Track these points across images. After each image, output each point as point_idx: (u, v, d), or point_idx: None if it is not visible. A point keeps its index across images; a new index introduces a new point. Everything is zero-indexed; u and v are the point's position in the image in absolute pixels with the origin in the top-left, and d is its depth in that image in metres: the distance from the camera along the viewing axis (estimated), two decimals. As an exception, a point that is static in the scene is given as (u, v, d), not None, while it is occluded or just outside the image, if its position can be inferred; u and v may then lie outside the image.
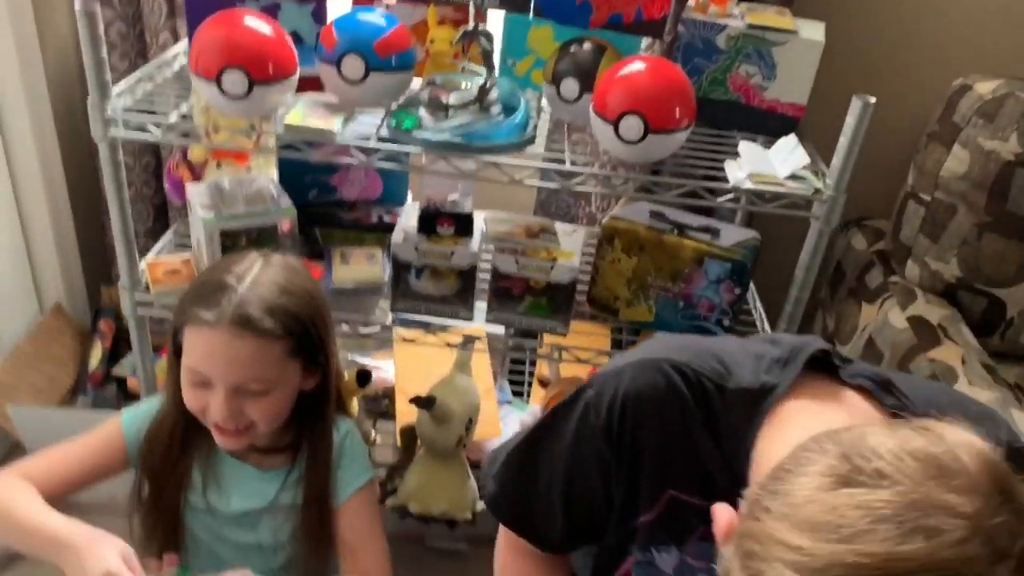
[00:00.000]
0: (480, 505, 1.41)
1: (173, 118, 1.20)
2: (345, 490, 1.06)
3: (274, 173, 1.45)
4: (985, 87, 1.45)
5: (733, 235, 1.30)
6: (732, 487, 0.67)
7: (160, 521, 1.05)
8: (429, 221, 1.29)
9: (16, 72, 1.59)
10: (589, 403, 0.81)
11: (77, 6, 1.10)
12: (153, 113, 1.21)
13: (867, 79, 1.60)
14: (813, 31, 1.28)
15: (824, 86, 1.32)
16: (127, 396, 1.73)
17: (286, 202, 1.31)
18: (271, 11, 1.29)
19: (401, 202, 1.50)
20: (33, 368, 1.70)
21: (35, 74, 1.64)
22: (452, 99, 1.18)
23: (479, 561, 1.69)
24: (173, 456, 1.03)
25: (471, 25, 1.16)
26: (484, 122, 1.16)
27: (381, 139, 1.17)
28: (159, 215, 1.85)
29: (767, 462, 0.62)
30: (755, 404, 0.73)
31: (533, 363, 1.79)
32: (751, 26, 1.26)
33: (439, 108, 1.17)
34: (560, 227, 1.37)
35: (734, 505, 0.60)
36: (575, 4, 1.30)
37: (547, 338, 1.38)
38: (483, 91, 1.17)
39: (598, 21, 1.31)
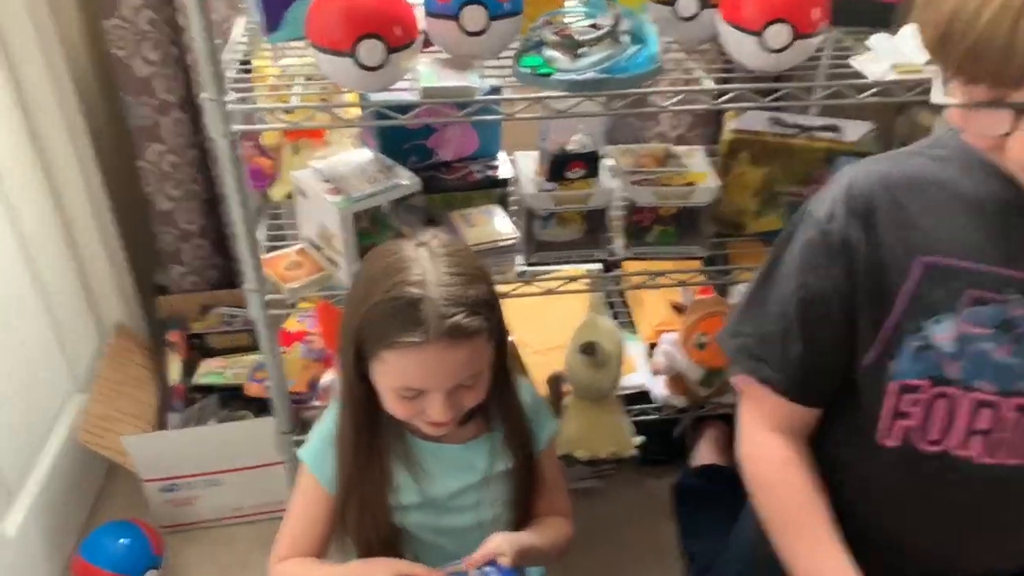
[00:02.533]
0: (639, 439, 1.43)
1: (294, 101, 1.12)
2: (541, 441, 1.07)
3: (353, 146, 1.38)
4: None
5: (854, 130, 1.31)
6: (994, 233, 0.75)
7: (375, 533, 1.02)
8: (560, 166, 1.25)
9: (48, 88, 1.46)
10: (808, 216, 0.84)
11: (189, -5, 1.00)
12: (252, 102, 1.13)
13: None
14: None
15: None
16: (232, 402, 1.66)
17: (405, 173, 1.25)
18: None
19: (494, 154, 1.44)
20: (120, 394, 1.61)
21: (64, 84, 1.50)
22: (583, 36, 1.13)
23: (610, 495, 1.73)
24: (367, 469, 1.00)
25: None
26: (621, 54, 1.12)
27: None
28: (209, 211, 1.75)
29: None
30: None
31: (621, 294, 1.79)
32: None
33: (571, 47, 1.12)
34: (676, 149, 1.36)
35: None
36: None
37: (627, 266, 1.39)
38: (615, 23, 1.13)
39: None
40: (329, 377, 1.47)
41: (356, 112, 1.26)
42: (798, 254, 0.85)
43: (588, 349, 1.28)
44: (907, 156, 0.84)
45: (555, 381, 1.36)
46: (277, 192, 1.46)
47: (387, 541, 1.02)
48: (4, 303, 1.40)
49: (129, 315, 1.77)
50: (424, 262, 0.90)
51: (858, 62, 1.19)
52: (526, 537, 0.99)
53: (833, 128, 1.30)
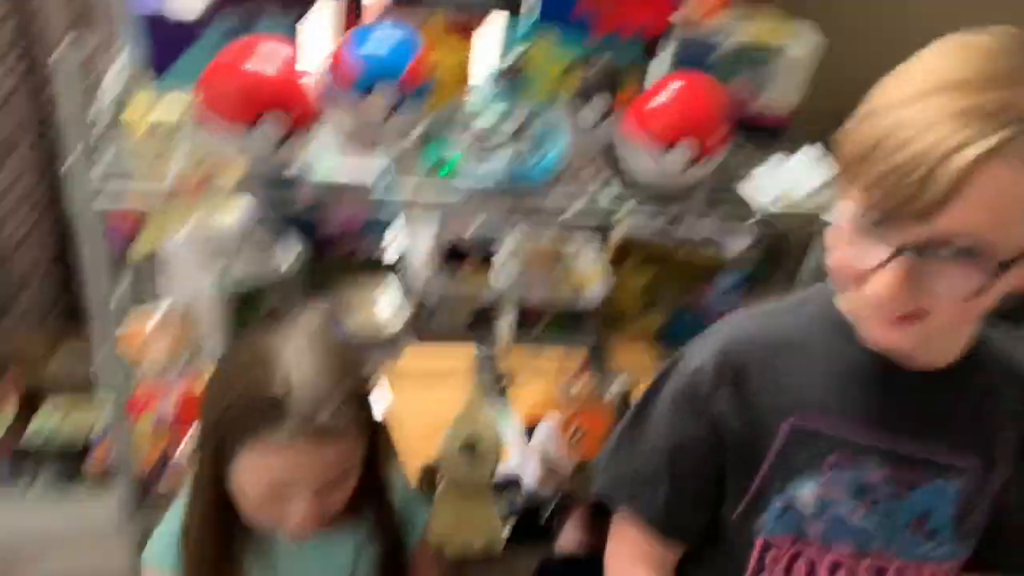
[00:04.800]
0: (507, 532, 1.41)
1: (169, 181, 1.03)
2: (413, 537, 1.04)
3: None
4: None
5: (739, 242, 1.36)
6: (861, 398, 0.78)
7: None
8: (453, 258, 1.22)
9: None
10: (684, 366, 0.85)
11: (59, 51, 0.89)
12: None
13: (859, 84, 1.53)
14: (803, 45, 1.32)
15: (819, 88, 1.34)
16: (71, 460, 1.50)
17: (288, 246, 1.18)
18: (244, 30, 1.12)
19: (387, 226, 1.39)
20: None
21: None
22: (490, 134, 1.11)
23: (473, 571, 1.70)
24: (218, 572, 0.93)
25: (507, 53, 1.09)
26: (526, 157, 1.11)
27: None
28: (62, 243, 1.59)
29: None
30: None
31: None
32: (743, 44, 1.29)
33: (477, 144, 1.10)
34: (569, 244, 1.36)
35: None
36: (575, 18, 1.26)
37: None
38: (525, 123, 1.11)
39: (599, 36, 1.28)
40: (183, 451, 1.36)
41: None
42: (668, 401, 0.86)
43: (470, 447, 1.25)
44: (780, 314, 0.86)
45: (428, 472, 1.32)
46: (142, 249, 1.34)
47: None
48: None
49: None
50: (291, 353, 0.84)
51: (746, 189, 1.24)
52: None
53: (716, 241, 1.35)
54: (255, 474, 0.84)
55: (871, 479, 0.81)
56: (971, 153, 0.61)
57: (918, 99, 0.64)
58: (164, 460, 1.38)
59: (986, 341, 0.82)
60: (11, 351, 1.64)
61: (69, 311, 1.71)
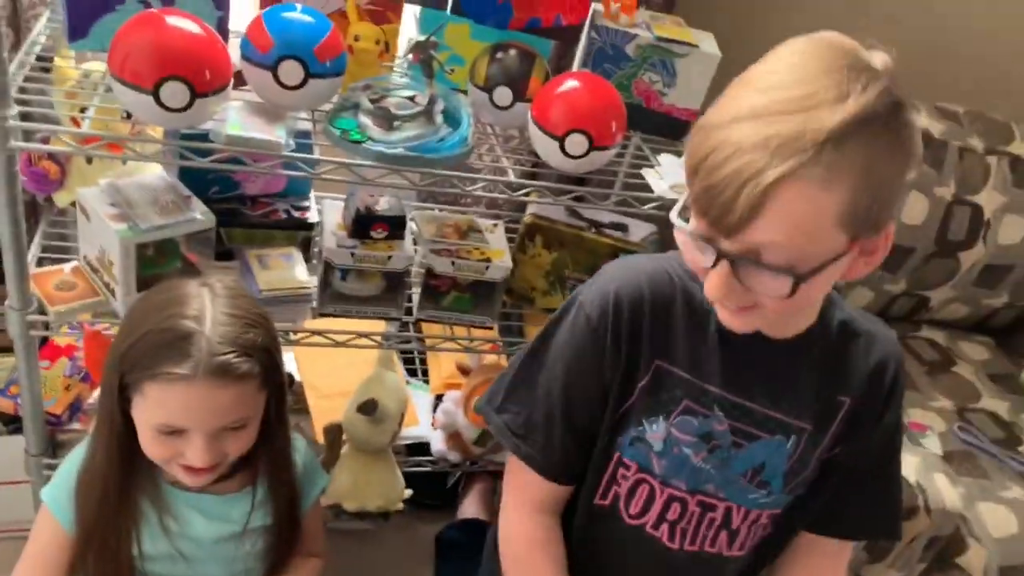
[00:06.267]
0: (408, 492, 1.47)
1: (86, 126, 1.07)
2: (308, 500, 1.11)
3: (160, 169, 1.32)
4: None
5: (639, 230, 1.43)
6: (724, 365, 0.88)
7: None
8: (364, 225, 1.27)
9: None
10: (581, 306, 0.92)
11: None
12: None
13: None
14: (710, 45, 1.40)
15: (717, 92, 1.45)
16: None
17: (201, 207, 1.22)
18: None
19: (304, 194, 1.44)
20: None
21: None
22: (399, 110, 1.16)
23: (379, 537, 1.76)
24: (114, 511, 0.97)
25: (423, 36, 1.14)
26: (433, 134, 1.16)
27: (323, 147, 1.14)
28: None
29: None
30: None
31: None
32: (658, 38, 1.36)
33: (385, 118, 1.15)
34: (480, 223, 1.42)
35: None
36: (496, 4, 1.32)
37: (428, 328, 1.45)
38: (431, 102, 1.17)
39: (518, 24, 1.34)
40: (94, 399, 1.40)
41: (156, 143, 1.21)
42: (566, 341, 0.93)
43: (366, 408, 1.30)
44: (664, 263, 0.94)
45: (332, 432, 1.37)
46: (63, 199, 1.37)
47: None
48: None
49: None
50: (204, 300, 0.90)
51: (648, 175, 1.31)
52: None
53: (621, 227, 1.42)
54: (155, 408, 0.89)
55: (716, 428, 0.91)
56: (769, 176, 0.68)
57: (733, 123, 0.71)
58: (73, 407, 1.42)
59: (844, 318, 0.91)
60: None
61: None
